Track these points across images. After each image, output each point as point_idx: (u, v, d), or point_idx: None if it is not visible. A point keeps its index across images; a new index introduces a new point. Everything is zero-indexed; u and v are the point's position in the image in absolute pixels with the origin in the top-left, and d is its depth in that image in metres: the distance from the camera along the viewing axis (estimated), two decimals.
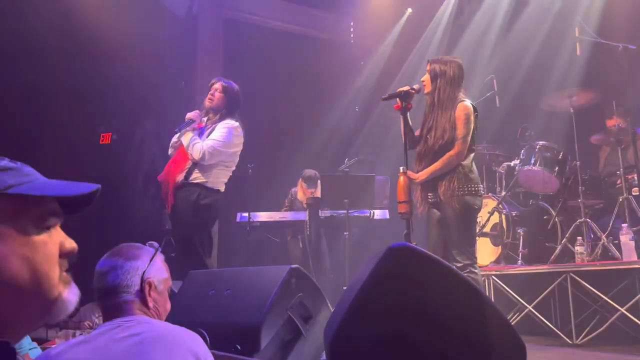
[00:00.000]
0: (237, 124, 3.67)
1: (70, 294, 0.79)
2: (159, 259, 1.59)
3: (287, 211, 5.77)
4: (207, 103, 3.75)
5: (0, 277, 0.71)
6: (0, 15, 4.99)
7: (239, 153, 3.77)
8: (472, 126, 3.20)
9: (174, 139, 3.77)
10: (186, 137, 3.62)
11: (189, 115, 3.71)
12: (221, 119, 3.68)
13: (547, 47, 5.98)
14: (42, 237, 0.76)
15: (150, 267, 1.53)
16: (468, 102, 3.24)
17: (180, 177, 3.59)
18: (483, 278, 4.29)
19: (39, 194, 0.76)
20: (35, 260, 0.74)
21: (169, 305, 1.61)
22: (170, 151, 3.83)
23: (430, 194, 3.25)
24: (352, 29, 7.85)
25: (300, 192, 5.83)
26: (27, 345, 2.44)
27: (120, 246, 1.56)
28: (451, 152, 3.16)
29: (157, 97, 6.06)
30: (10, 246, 0.73)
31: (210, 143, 3.55)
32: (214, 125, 3.66)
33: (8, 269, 0.72)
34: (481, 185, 3.28)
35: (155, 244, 1.61)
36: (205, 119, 3.78)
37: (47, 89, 5.67)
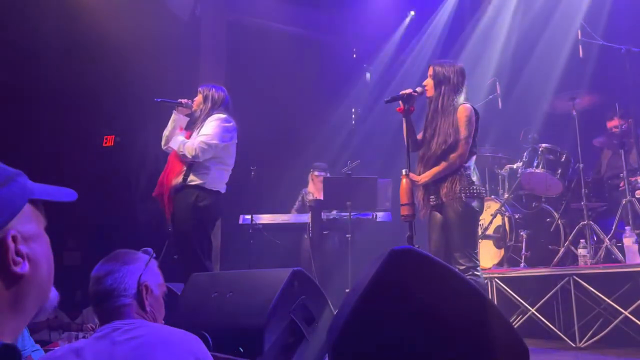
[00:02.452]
0: (224, 116, 3.66)
1: (53, 293, 0.82)
2: (154, 264, 1.60)
3: (296, 212, 5.76)
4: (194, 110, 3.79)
5: (38, 278, 0.74)
6: (6, 21, 5.02)
7: (234, 148, 3.74)
8: (473, 128, 3.20)
9: (165, 131, 3.80)
10: (175, 141, 3.64)
11: (181, 100, 3.74)
12: (206, 116, 3.68)
13: (549, 49, 5.97)
14: (47, 238, 0.79)
15: (146, 270, 1.54)
16: (469, 105, 3.24)
17: (177, 181, 3.58)
18: (486, 281, 4.28)
19: (54, 200, 0.78)
20: (50, 259, 0.78)
21: (163, 310, 1.62)
22: (163, 140, 3.82)
23: (432, 197, 3.24)
24: (354, 32, 7.85)
25: (312, 185, 5.82)
26: (30, 347, 2.45)
27: (115, 252, 1.58)
28: (453, 154, 3.16)
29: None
30: (43, 247, 0.77)
31: (200, 139, 3.55)
32: (202, 124, 3.67)
33: (42, 269, 0.76)
34: (483, 188, 3.28)
35: (150, 249, 1.61)
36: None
37: (50, 91, 5.69)
